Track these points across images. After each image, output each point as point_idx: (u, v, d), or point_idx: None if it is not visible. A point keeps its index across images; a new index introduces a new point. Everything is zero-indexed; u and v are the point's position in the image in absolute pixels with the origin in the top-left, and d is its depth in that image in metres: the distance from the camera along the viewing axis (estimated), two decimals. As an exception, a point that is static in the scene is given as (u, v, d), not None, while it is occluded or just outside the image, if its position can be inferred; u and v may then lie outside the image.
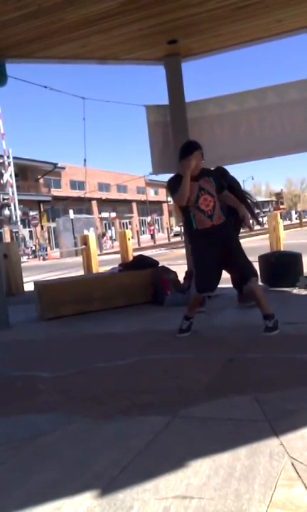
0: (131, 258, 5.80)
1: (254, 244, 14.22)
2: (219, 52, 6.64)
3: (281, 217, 11.89)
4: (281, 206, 63.38)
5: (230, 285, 5.44)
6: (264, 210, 60.48)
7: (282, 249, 10.04)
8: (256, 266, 6.42)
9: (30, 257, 28.89)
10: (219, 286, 6.06)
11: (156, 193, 54.87)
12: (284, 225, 12.81)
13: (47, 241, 32.47)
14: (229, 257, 4.16)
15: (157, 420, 2.43)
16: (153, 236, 37.51)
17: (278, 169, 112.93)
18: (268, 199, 69.11)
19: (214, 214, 4.09)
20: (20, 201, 30.54)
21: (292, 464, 1.88)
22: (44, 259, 27.43)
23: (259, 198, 69.69)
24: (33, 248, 30.48)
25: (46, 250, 29.80)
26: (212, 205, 4.06)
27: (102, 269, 10.49)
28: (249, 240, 18.95)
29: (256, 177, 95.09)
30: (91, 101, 8.40)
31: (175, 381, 3.05)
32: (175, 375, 3.19)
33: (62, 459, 2.14)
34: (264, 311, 4.09)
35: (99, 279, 6.59)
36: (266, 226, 12.39)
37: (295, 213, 60.13)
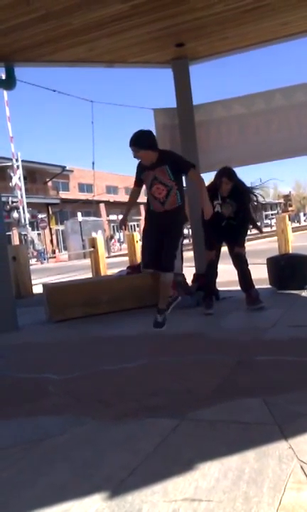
0: (139, 261, 5.79)
1: (262, 247, 14.18)
2: (226, 55, 6.64)
3: (289, 220, 11.86)
4: (290, 208, 63.10)
5: (238, 287, 5.45)
6: (272, 212, 60.37)
7: (291, 252, 10.01)
8: (264, 268, 6.43)
9: (39, 259, 28.98)
10: (227, 288, 6.09)
11: (164, 195, 54.84)
12: (293, 228, 12.78)
13: (44, 246, 32.44)
14: (162, 241, 4.50)
15: (165, 423, 2.43)
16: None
17: (287, 171, 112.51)
18: (276, 201, 68.89)
19: (167, 201, 4.51)
20: (28, 204, 30.70)
21: (301, 468, 1.87)
22: (42, 263, 27.44)
23: (267, 201, 69.53)
24: (42, 251, 30.58)
25: (45, 254, 29.84)
26: (164, 193, 4.47)
27: (110, 272, 10.51)
28: (257, 242, 18.91)
29: (264, 179, 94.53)
30: (99, 104, 8.45)
31: (183, 384, 3.05)
32: (184, 377, 3.19)
33: (71, 461, 2.15)
34: (160, 304, 4.50)
35: (107, 281, 6.60)
36: (274, 228, 12.35)
37: (304, 215, 59.92)
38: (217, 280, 5.53)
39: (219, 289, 5.88)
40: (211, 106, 6.81)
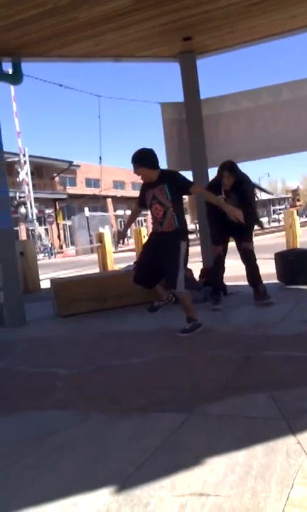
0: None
1: (270, 242, 14.14)
2: (233, 49, 6.60)
3: (297, 214, 11.79)
4: (298, 203, 62.79)
5: (245, 283, 5.43)
6: (279, 207, 60.11)
7: (298, 247, 9.96)
8: (272, 263, 6.40)
9: (46, 254, 29.07)
10: (235, 283, 6.07)
11: (171, 190, 54.73)
12: (301, 222, 12.70)
13: (50, 241, 32.49)
14: (157, 260, 4.38)
15: (173, 418, 2.44)
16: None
17: (295, 166, 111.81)
18: (284, 196, 68.59)
19: (165, 221, 4.33)
20: (36, 199, 30.75)
21: (309, 463, 1.86)
22: (49, 258, 27.49)
23: (275, 196, 69.26)
24: (49, 246, 30.66)
25: (52, 250, 29.90)
26: (161, 213, 4.32)
27: (118, 267, 10.51)
28: (265, 237, 18.85)
29: (272, 174, 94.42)
30: (106, 99, 8.44)
31: (190, 379, 3.05)
32: (191, 372, 3.19)
33: (78, 455, 2.16)
34: (188, 314, 4.37)
35: (114, 276, 6.61)
36: (282, 223, 12.30)
37: (312, 210, 59.63)
38: (225, 275, 5.52)
39: (226, 284, 5.86)
40: (218, 100, 6.77)
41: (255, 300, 5.24)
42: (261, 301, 5.15)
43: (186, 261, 4.44)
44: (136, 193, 5.29)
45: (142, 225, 38.31)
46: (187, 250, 4.39)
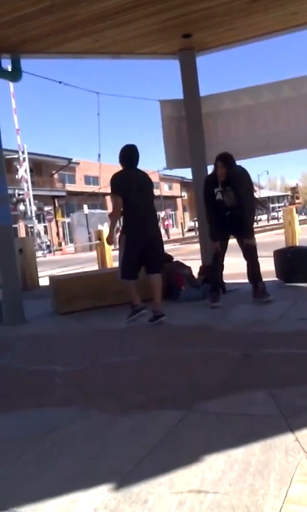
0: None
1: (269, 239, 14.13)
2: (234, 46, 6.57)
3: (296, 212, 11.79)
4: (297, 201, 62.81)
5: (244, 280, 5.43)
6: (279, 204, 60.09)
7: (297, 244, 9.96)
8: (271, 261, 6.40)
9: (45, 252, 29.05)
10: (233, 281, 6.07)
11: (170, 188, 54.70)
12: (300, 220, 12.71)
13: (48, 239, 32.48)
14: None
15: (172, 415, 2.44)
16: (167, 231, 37.46)
17: (294, 164, 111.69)
18: (283, 193, 68.57)
19: None
20: (35, 196, 30.69)
21: (307, 460, 1.87)
22: (44, 256, 27.46)
23: (274, 193, 69.25)
24: (48, 243, 30.64)
25: (49, 247, 29.91)
26: None
27: (116, 264, 10.51)
28: (264, 234, 18.84)
29: (272, 171, 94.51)
30: (105, 96, 8.42)
31: (189, 376, 3.05)
32: (190, 370, 3.19)
33: (77, 452, 2.16)
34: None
35: (113, 274, 6.58)
36: (281, 221, 12.29)
37: (311, 208, 59.61)
38: (224, 273, 5.52)
39: (225, 281, 5.87)
40: (218, 97, 6.75)
41: (254, 297, 5.24)
42: (260, 299, 5.15)
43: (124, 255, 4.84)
44: None
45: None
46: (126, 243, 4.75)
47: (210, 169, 5.32)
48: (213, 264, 5.42)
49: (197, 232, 7.58)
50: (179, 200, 55.09)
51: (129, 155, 4.80)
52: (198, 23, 5.68)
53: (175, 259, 6.46)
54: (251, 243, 5.22)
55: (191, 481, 1.81)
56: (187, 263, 6.38)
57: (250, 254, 5.23)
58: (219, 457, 1.96)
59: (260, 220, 45.42)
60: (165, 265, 6.15)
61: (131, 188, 4.68)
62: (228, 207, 5.08)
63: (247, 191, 5.13)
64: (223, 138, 6.68)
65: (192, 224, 42.67)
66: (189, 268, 6.13)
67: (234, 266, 5.87)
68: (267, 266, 6.25)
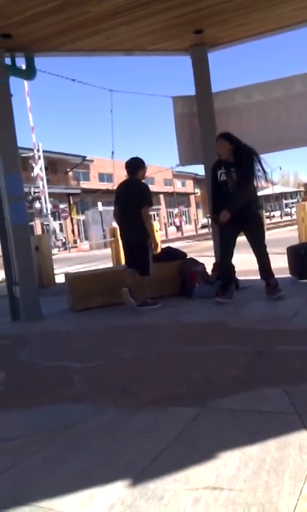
0: (159, 250, 5.82)
1: (282, 236, 14.03)
2: (245, 41, 6.53)
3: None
4: (310, 196, 62.15)
5: (257, 277, 5.41)
6: (292, 200, 59.57)
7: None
8: (285, 257, 6.36)
9: (61, 249, 29.21)
10: (246, 277, 6.06)
11: (183, 184, 54.55)
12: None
13: (64, 236, 32.70)
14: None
15: (186, 411, 2.46)
16: (179, 228, 37.41)
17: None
18: (296, 189, 67.94)
19: None
20: (50, 194, 30.84)
21: (322, 457, 1.87)
22: (59, 251, 27.70)
23: (287, 189, 68.63)
24: (63, 240, 30.81)
25: (65, 244, 30.14)
26: None
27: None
28: (277, 231, 18.72)
29: (285, 167, 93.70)
30: (119, 93, 8.41)
31: (203, 373, 3.06)
32: (204, 366, 3.20)
33: (93, 448, 2.19)
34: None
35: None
36: (294, 217, 12.20)
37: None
38: (237, 269, 5.50)
39: (238, 278, 5.86)
40: (230, 93, 6.72)
41: (267, 294, 5.22)
42: (273, 296, 5.13)
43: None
44: (150, 188, 5.48)
45: (155, 220, 38.25)
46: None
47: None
48: (222, 260, 5.37)
49: (211, 229, 7.56)
50: (192, 197, 54.94)
51: (126, 166, 5.54)
52: (209, 19, 5.65)
53: (188, 256, 6.45)
54: (261, 241, 5.19)
55: (206, 477, 1.83)
56: (200, 260, 6.38)
57: (259, 251, 5.19)
58: (233, 454, 1.97)
59: (273, 216, 45.11)
60: (179, 262, 6.17)
61: (117, 197, 5.58)
62: (232, 189, 5.05)
63: (243, 177, 5.05)
64: (235, 133, 6.62)
65: (205, 221, 42.54)
66: (202, 265, 6.12)
67: (246, 262, 5.85)
68: (281, 262, 6.22)
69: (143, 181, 5.57)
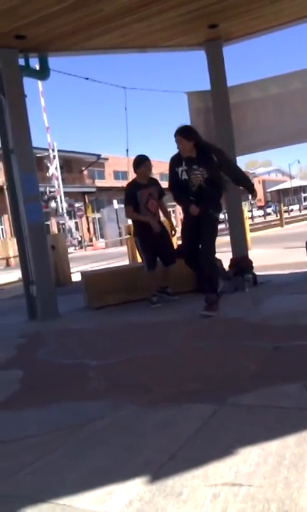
0: (175, 246, 5.82)
1: (301, 230, 13.90)
2: (260, 35, 6.45)
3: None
4: (330, 190, 61.51)
5: (276, 272, 5.36)
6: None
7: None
8: (304, 252, 6.29)
9: (77, 247, 29.38)
10: (264, 273, 6.01)
11: (199, 180, 54.40)
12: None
13: (79, 235, 32.89)
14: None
15: (204, 408, 2.44)
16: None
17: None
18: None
19: (157, 213, 5.58)
20: (65, 193, 31.04)
21: None
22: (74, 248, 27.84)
23: (306, 182, 67.98)
24: (79, 239, 30.98)
25: (80, 243, 30.33)
26: (154, 207, 5.53)
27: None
28: (295, 225, 18.55)
29: (303, 160, 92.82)
30: (133, 91, 8.41)
31: (221, 369, 3.04)
32: (221, 362, 3.18)
33: (111, 445, 2.19)
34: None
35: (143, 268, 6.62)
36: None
37: None
38: (255, 265, 5.46)
39: (256, 273, 5.81)
40: (246, 87, 6.66)
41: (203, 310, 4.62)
42: (204, 311, 4.55)
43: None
44: (163, 184, 5.49)
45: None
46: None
47: (239, 160, 5.24)
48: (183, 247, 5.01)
49: (227, 225, 7.51)
50: (208, 193, 54.74)
51: (137, 161, 5.61)
52: (224, 13, 5.60)
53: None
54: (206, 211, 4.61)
55: (225, 473, 1.81)
56: (217, 256, 6.33)
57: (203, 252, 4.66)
58: (252, 450, 1.95)
59: (291, 210, 44.69)
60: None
61: None
62: (195, 187, 4.62)
63: (229, 163, 4.83)
64: (252, 128, 6.58)
65: (222, 216, 42.31)
66: (219, 261, 6.08)
67: (264, 258, 5.80)
68: (300, 257, 6.16)
69: (135, 179, 5.65)
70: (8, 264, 24.11)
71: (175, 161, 4.80)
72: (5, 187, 6.63)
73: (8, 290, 10.04)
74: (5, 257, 26.94)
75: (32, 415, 2.74)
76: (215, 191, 4.71)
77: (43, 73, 6.22)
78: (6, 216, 30.32)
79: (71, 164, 36.95)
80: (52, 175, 29.91)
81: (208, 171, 4.59)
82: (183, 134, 4.67)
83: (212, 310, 4.53)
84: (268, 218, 38.42)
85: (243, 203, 6.99)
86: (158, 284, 5.62)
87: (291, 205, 50.35)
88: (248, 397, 2.52)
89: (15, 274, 10.68)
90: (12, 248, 25.67)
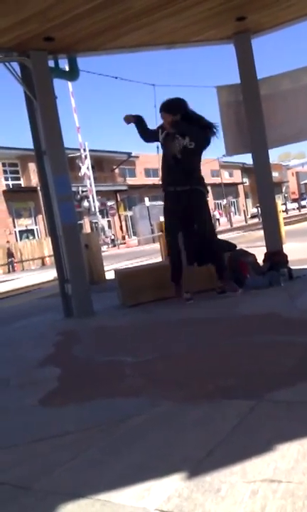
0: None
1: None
2: (290, 25, 6.32)
3: None
4: None
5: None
6: None
7: None
8: None
9: (110, 246, 29.60)
10: (300, 267, 5.90)
11: (231, 175, 53.90)
12: None
13: (112, 234, 33.16)
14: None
15: (242, 404, 2.42)
16: (218, 220, 37.07)
17: None
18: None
19: None
20: (97, 192, 31.32)
21: None
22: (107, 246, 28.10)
23: None
24: (112, 237, 31.21)
25: (113, 241, 30.61)
26: None
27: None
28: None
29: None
30: (162, 88, 8.36)
31: (258, 365, 3.01)
32: (258, 358, 3.15)
33: (149, 441, 2.20)
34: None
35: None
36: None
37: None
38: (290, 259, 5.37)
39: (292, 267, 5.72)
40: (277, 79, 6.55)
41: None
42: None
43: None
44: None
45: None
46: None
47: (271, 153, 5.19)
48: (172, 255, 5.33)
49: (261, 219, 7.42)
50: (240, 187, 54.23)
51: None
52: (253, 4, 5.51)
53: (239, 247, 6.36)
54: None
55: (264, 470, 1.79)
56: (251, 250, 6.27)
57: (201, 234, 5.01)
58: (291, 446, 1.92)
59: None
60: (228, 254, 6.09)
61: None
62: (171, 155, 4.96)
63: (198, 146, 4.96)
64: (283, 119, 6.46)
65: (255, 210, 41.80)
66: (253, 255, 6.02)
67: (300, 251, 5.71)
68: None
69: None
70: (43, 264, 24.50)
71: (158, 128, 5.22)
72: (39, 188, 6.73)
73: (44, 289, 10.22)
74: (40, 256, 27.40)
75: (69, 412, 2.78)
76: (194, 163, 4.92)
77: (73, 74, 6.27)
78: (40, 216, 30.85)
79: (102, 163, 37.25)
80: (84, 174, 30.22)
81: (192, 142, 4.83)
82: (165, 108, 5.00)
83: (233, 290, 4.92)
84: (303, 211, 37.75)
85: (276, 196, 6.88)
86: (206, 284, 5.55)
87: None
88: (286, 393, 2.48)
89: (51, 273, 10.84)
90: (47, 248, 26.12)
